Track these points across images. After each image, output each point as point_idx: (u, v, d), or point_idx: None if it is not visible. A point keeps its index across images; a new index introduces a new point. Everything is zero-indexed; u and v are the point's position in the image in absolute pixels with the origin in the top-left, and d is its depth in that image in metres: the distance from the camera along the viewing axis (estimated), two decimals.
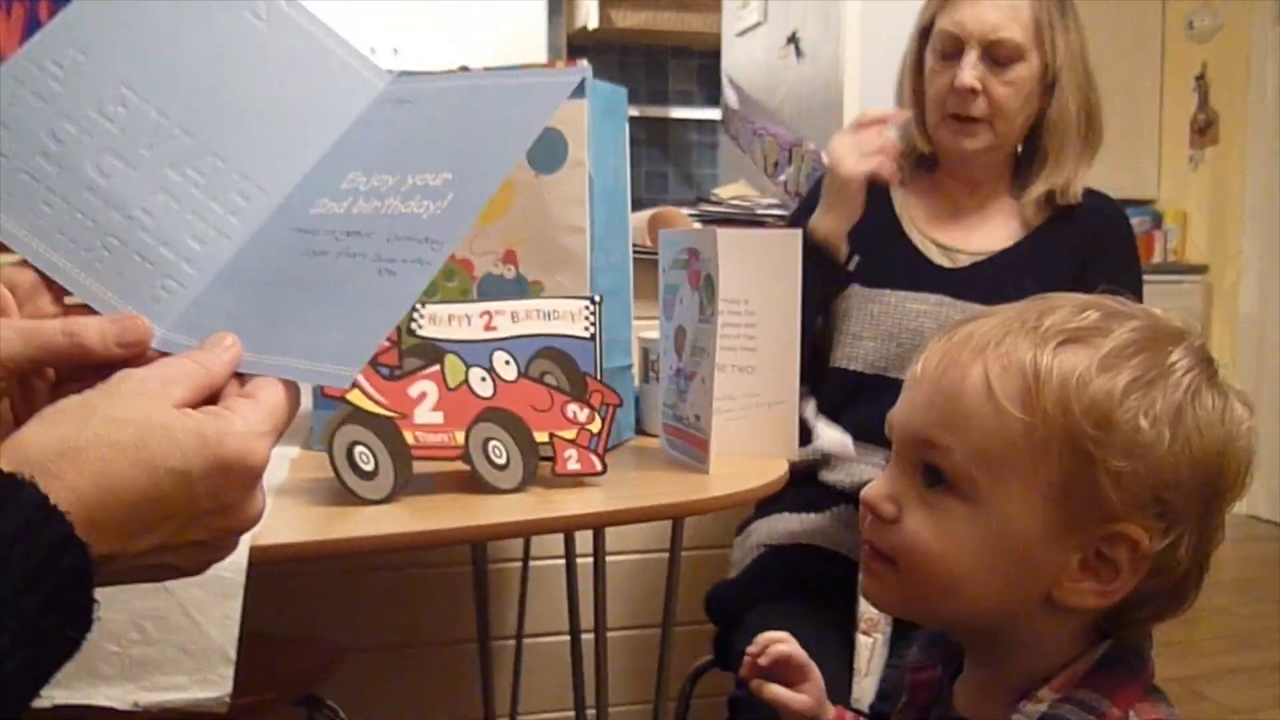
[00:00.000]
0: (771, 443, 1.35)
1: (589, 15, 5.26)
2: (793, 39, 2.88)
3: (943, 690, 0.84)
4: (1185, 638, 3.15)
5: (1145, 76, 5.35)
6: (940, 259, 1.66)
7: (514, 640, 2.05)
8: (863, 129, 1.59)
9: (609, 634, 1.59)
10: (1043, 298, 0.78)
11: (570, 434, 1.15)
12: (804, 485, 1.58)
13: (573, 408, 1.15)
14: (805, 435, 1.54)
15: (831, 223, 1.59)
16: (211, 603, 0.96)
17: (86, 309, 0.61)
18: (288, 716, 1.55)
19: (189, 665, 0.96)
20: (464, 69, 1.39)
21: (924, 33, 1.66)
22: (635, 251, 1.52)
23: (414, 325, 1.16)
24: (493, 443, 1.13)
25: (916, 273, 1.65)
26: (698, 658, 1.75)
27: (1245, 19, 5.01)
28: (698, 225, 2.12)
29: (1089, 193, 1.66)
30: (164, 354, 0.58)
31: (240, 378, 0.57)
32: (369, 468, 1.09)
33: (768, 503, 1.62)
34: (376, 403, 1.10)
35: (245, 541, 0.83)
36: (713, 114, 4.59)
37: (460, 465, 1.14)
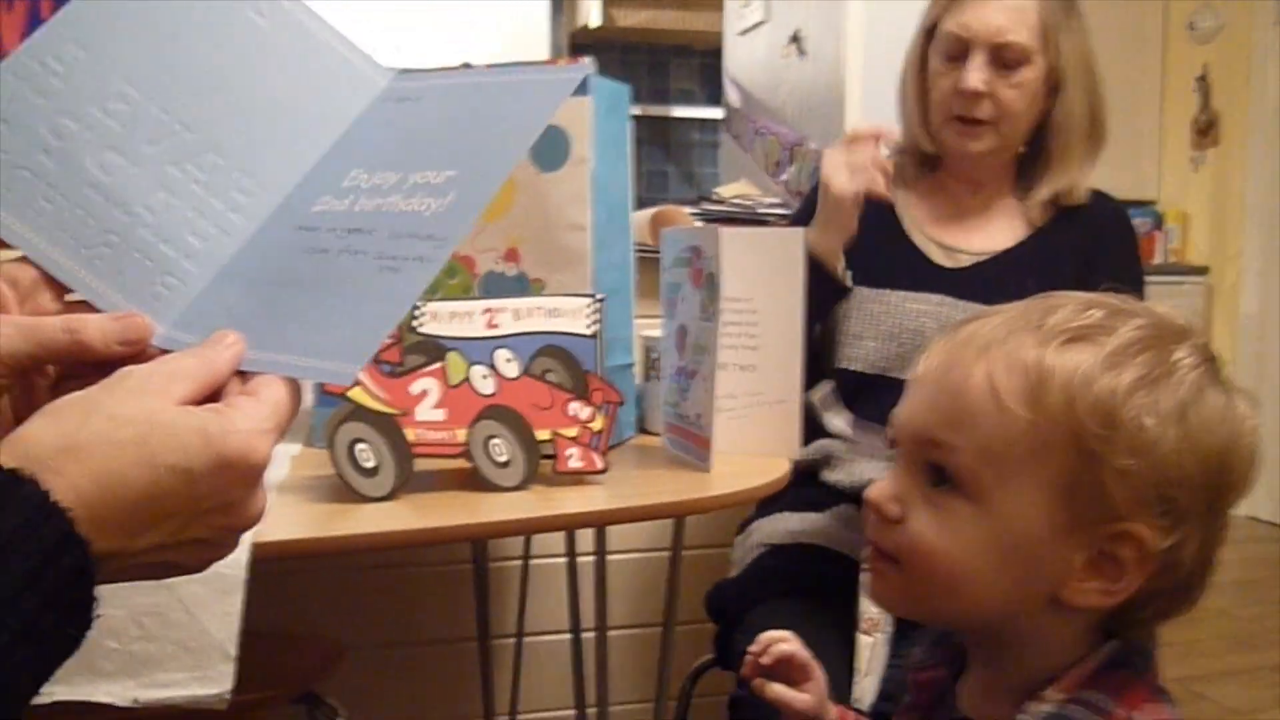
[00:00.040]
0: (774, 441, 1.35)
1: (591, 14, 5.27)
2: (795, 38, 2.87)
3: (946, 690, 0.84)
4: (1185, 639, 3.14)
5: (1146, 77, 5.35)
6: (942, 259, 1.66)
7: (514, 639, 2.05)
8: (854, 146, 1.58)
9: (609, 633, 1.59)
10: (1046, 297, 0.78)
11: (572, 432, 1.15)
12: (805, 485, 1.58)
13: (575, 406, 1.15)
14: (811, 428, 1.53)
15: (826, 239, 1.58)
16: (212, 599, 0.96)
17: (87, 306, 0.60)
18: (287, 714, 1.55)
19: (189, 662, 0.96)
20: (466, 66, 1.39)
21: (928, 33, 1.65)
22: (636, 250, 1.52)
23: (416, 322, 1.15)
24: (494, 440, 1.13)
25: (917, 273, 1.64)
26: (699, 657, 1.75)
27: (1247, 20, 5.00)
28: (699, 224, 2.11)
29: (1092, 193, 1.66)
30: (165, 351, 0.57)
31: (242, 375, 0.57)
32: (370, 465, 1.09)
33: (768, 502, 1.62)
34: (378, 400, 1.10)
35: (247, 539, 0.83)
36: (714, 113, 4.59)
37: (462, 463, 1.14)
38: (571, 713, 1.91)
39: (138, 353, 0.57)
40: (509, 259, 1.37)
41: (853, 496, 1.53)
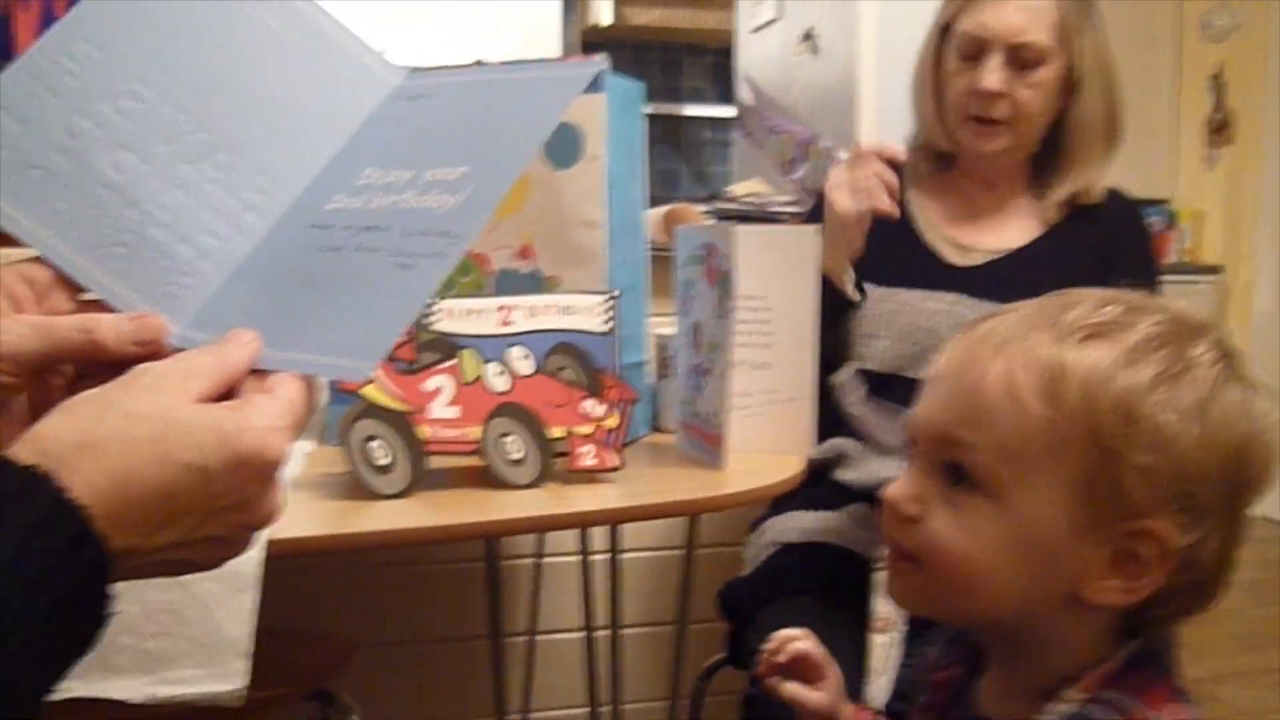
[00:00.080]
0: (788, 439, 1.34)
1: (603, 12, 5.27)
2: (808, 36, 2.87)
3: (962, 689, 0.83)
4: (1197, 639, 3.12)
5: (1161, 76, 5.32)
6: (955, 257, 1.65)
7: (526, 637, 2.05)
8: (858, 164, 1.56)
9: (622, 631, 1.59)
10: (1062, 293, 0.78)
11: (586, 430, 1.15)
12: (818, 483, 1.57)
13: (588, 403, 1.15)
14: (830, 418, 1.52)
15: (833, 257, 1.57)
16: (227, 596, 0.96)
17: (103, 305, 0.60)
18: (300, 711, 1.55)
19: (204, 659, 0.96)
20: (479, 63, 1.38)
21: (943, 31, 1.64)
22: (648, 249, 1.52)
23: (430, 320, 1.15)
24: (508, 438, 1.13)
25: (931, 272, 1.63)
26: (711, 655, 1.75)
27: (1262, 19, 4.98)
28: (711, 222, 2.11)
29: (1107, 191, 1.65)
30: (181, 350, 0.57)
31: (258, 373, 0.57)
32: (384, 462, 1.09)
33: (782, 500, 1.61)
34: (392, 397, 1.10)
35: (261, 536, 0.83)
36: (726, 111, 4.59)
37: (475, 460, 1.14)
38: (584, 711, 1.91)
39: (153, 352, 0.57)
40: (523, 256, 1.37)
41: (866, 495, 1.53)
